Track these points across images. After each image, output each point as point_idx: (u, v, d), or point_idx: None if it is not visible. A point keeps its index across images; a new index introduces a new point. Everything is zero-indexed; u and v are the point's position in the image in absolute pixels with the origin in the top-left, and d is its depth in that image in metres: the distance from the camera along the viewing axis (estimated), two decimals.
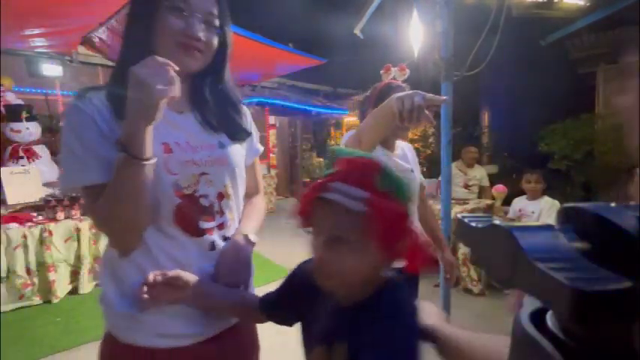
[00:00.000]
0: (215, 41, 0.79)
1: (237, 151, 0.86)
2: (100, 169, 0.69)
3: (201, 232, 0.79)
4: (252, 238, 0.86)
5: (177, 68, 0.66)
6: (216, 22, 0.78)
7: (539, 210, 2.96)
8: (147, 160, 0.66)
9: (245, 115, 0.92)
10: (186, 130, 0.79)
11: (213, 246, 0.80)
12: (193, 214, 0.77)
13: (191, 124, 0.81)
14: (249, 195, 0.98)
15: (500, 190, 3.50)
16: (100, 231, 0.74)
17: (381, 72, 1.55)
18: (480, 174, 3.73)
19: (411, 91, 0.92)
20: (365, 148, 1.04)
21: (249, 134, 0.91)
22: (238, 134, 0.87)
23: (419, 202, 1.54)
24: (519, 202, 3.13)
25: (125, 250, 0.74)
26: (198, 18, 0.74)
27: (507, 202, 3.41)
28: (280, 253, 4.03)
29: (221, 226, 0.82)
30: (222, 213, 0.83)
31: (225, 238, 0.83)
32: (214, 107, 0.84)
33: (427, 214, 1.62)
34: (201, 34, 0.75)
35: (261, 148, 1.00)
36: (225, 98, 0.86)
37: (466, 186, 3.65)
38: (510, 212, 3.21)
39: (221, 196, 0.82)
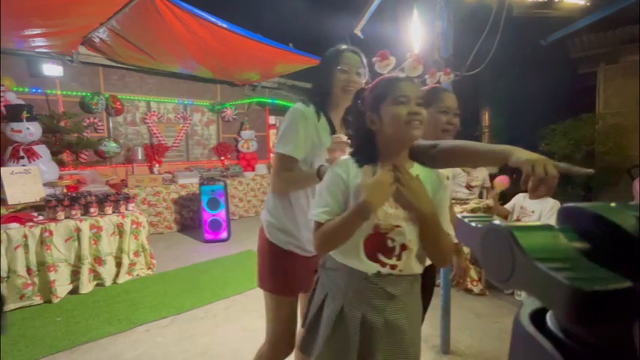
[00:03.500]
0: (363, 83, 1.37)
1: None
2: (298, 151, 1.33)
3: None
4: None
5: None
6: (362, 72, 1.39)
7: (539, 210, 2.95)
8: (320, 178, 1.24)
9: None
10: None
11: None
12: None
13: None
14: None
15: (503, 181, 3.45)
16: (276, 184, 1.38)
17: (426, 76, 1.59)
18: (482, 175, 3.71)
19: (541, 157, 0.88)
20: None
21: None
22: None
23: None
24: (521, 200, 3.12)
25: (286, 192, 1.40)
26: (354, 73, 1.37)
27: (506, 201, 3.40)
28: None
29: None
30: None
31: None
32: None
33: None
34: (356, 81, 1.36)
35: None
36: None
37: (469, 186, 3.62)
38: (509, 205, 3.21)
39: None
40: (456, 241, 1.06)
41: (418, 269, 1.07)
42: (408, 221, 1.02)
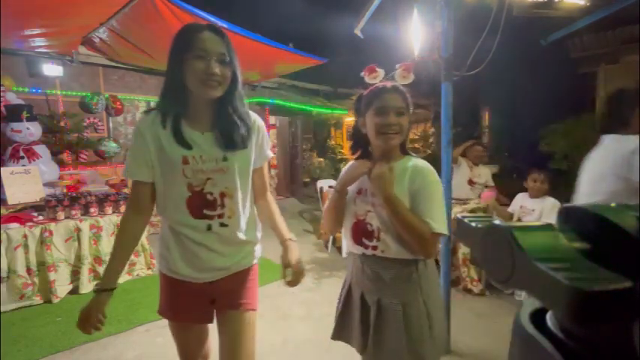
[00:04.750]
0: (229, 73, 1.09)
1: (240, 161, 1.17)
2: (138, 172, 1.12)
3: (203, 216, 1.13)
4: (293, 237, 1.31)
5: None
6: (227, 59, 1.08)
7: (540, 209, 2.95)
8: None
9: (252, 128, 1.19)
10: (201, 147, 1.11)
11: (209, 227, 1.14)
12: (199, 204, 1.13)
13: (208, 141, 1.12)
14: (261, 192, 1.30)
15: (490, 195, 3.44)
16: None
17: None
18: (485, 173, 3.68)
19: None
20: None
21: (247, 146, 1.18)
22: (241, 146, 1.16)
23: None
24: (521, 199, 3.13)
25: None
26: (214, 59, 1.05)
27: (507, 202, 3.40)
28: (280, 253, 4.04)
29: (220, 216, 1.15)
30: (222, 206, 1.15)
31: (222, 224, 1.15)
32: (228, 126, 1.13)
33: None
34: (217, 70, 1.05)
35: (271, 155, 1.30)
36: (237, 118, 1.15)
37: (470, 182, 3.58)
38: (510, 207, 3.21)
39: (223, 194, 1.14)
40: (438, 231, 1.12)
41: (402, 253, 1.17)
42: (376, 206, 1.18)
